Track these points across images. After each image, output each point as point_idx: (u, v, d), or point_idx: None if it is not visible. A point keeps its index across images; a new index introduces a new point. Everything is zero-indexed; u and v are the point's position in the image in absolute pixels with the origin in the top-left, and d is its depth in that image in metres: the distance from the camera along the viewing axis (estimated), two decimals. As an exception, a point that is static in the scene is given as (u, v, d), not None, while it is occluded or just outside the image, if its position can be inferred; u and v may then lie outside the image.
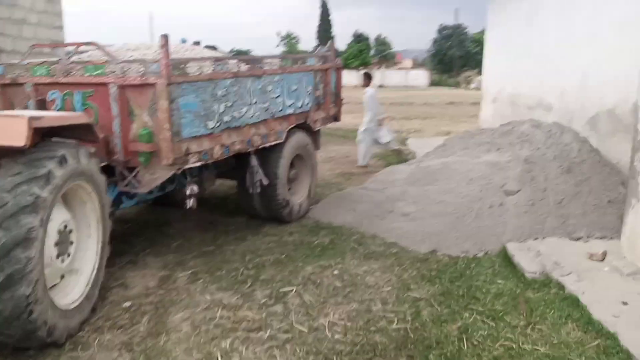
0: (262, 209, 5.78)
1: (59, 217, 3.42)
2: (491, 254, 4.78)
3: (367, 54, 54.57)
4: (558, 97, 7.62)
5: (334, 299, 3.97)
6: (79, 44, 4.59)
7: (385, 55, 56.96)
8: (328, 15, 57.68)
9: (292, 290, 4.12)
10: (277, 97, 5.39)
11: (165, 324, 3.67)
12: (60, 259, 3.45)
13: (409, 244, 5.08)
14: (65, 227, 3.49)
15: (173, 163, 4.12)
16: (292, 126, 5.70)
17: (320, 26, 57.36)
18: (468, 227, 5.02)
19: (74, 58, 4.62)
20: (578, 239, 4.66)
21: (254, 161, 5.28)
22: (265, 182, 5.40)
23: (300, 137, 5.96)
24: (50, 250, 3.31)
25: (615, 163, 5.67)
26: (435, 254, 4.88)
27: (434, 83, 48.06)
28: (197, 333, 3.53)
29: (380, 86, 45.50)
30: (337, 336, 3.47)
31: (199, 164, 4.45)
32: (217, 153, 4.61)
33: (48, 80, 4.44)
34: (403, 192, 5.74)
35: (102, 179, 3.83)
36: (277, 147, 5.55)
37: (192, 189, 4.79)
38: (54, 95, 4.44)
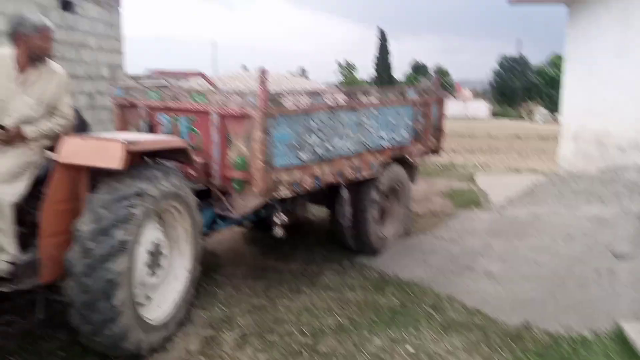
0: (353, 239, 5.61)
1: (151, 234, 3.56)
2: (602, 334, 3.86)
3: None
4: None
5: (410, 389, 3.21)
6: (188, 74, 4.76)
7: (444, 85, 56.00)
8: (386, 44, 57.43)
9: (357, 371, 3.39)
10: (373, 130, 5.30)
11: (205, 408, 3.02)
12: (150, 275, 3.59)
13: (495, 312, 4.24)
14: (157, 245, 3.63)
15: (264, 192, 4.21)
16: (387, 160, 5.57)
17: (378, 55, 57.12)
18: (570, 297, 4.15)
19: (183, 85, 4.89)
20: None
21: (344, 193, 5.19)
22: (351, 216, 5.31)
23: (395, 171, 5.81)
24: (141, 265, 3.46)
25: None
26: (529, 328, 4.01)
27: (495, 114, 46.55)
28: None
29: (439, 116, 44.47)
30: None
31: (290, 194, 4.48)
32: (308, 183, 4.64)
33: (158, 104, 4.70)
34: (485, 246, 4.93)
35: (194, 200, 3.90)
36: (371, 180, 5.44)
37: (281, 218, 4.70)
38: (163, 118, 4.71)
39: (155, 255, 3.60)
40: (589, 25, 9.19)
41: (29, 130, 3.30)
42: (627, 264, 4.23)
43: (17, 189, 3.16)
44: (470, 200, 8.60)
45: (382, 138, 5.42)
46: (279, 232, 4.67)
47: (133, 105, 4.89)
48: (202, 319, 4.14)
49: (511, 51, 63.65)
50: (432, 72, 57.06)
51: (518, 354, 3.62)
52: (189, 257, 3.92)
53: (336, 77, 57.79)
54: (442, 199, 8.97)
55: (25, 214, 3.21)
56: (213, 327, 4.01)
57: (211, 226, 4.66)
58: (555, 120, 32.78)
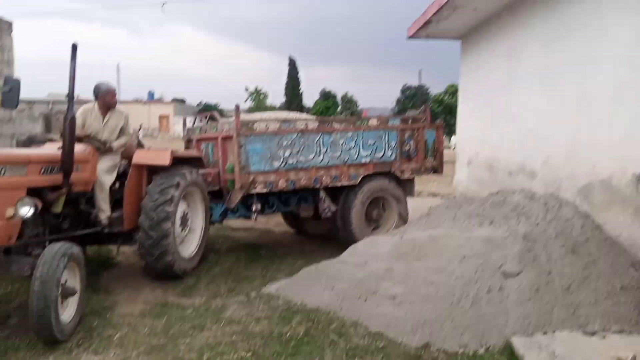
0: (343, 233, 7.12)
1: (182, 207, 5.92)
2: (494, 350, 4.07)
3: (335, 110, 55.13)
4: (543, 163, 7.21)
5: (313, 421, 3.16)
6: (207, 115, 8.07)
7: (351, 112, 57.65)
8: (297, 72, 58.45)
9: (260, 407, 3.29)
10: (350, 148, 6.81)
11: None
12: (182, 229, 5.97)
13: (398, 334, 4.33)
14: (185, 213, 6.02)
15: (241, 187, 6.22)
16: (369, 172, 7.00)
17: (288, 83, 57.92)
18: (465, 316, 4.33)
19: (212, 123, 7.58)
20: (593, 333, 4.01)
21: (321, 193, 6.84)
22: (333, 209, 6.94)
23: (381, 182, 7.14)
24: (178, 224, 5.77)
25: (614, 237, 5.15)
26: (429, 349, 4.14)
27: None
28: None
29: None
30: None
31: (265, 190, 6.37)
32: (282, 185, 6.41)
33: (200, 136, 7.38)
34: (388, 269, 5.03)
35: (204, 186, 6.30)
36: (355, 187, 6.98)
37: (256, 206, 6.60)
38: (203, 146, 7.22)
39: (184, 219, 5.97)
40: (479, 59, 9.91)
41: (114, 145, 5.64)
42: (514, 282, 4.51)
43: (111, 178, 5.51)
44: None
45: (362, 155, 6.87)
46: (254, 216, 6.64)
47: (190, 140, 7.60)
48: (94, 365, 3.85)
49: (414, 81, 67.17)
50: (340, 100, 58.57)
51: (418, 375, 3.71)
52: (202, 221, 6.31)
53: (247, 104, 57.62)
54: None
55: (114, 192, 5.56)
56: (106, 373, 3.74)
57: (224, 217, 6.69)
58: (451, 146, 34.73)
